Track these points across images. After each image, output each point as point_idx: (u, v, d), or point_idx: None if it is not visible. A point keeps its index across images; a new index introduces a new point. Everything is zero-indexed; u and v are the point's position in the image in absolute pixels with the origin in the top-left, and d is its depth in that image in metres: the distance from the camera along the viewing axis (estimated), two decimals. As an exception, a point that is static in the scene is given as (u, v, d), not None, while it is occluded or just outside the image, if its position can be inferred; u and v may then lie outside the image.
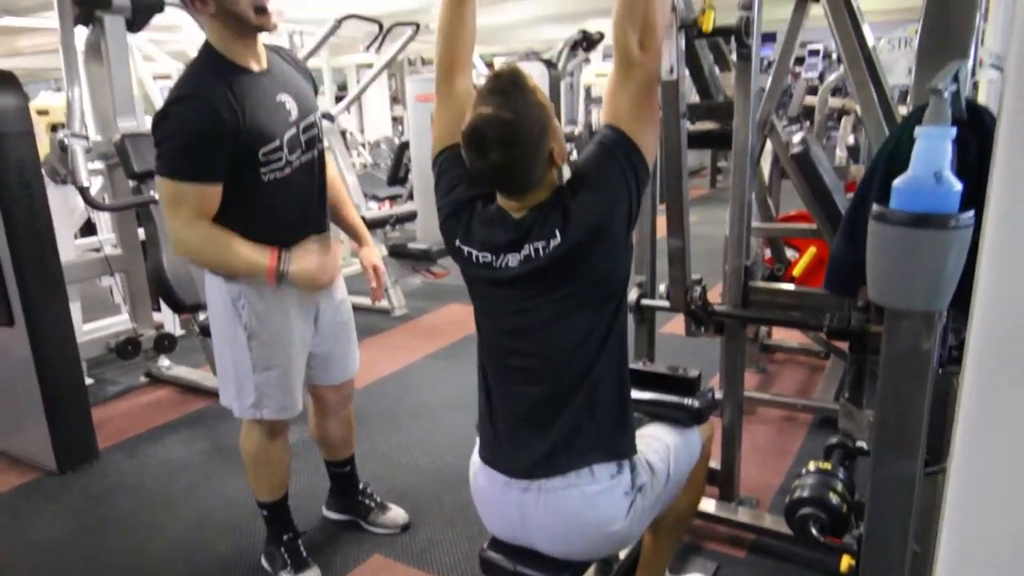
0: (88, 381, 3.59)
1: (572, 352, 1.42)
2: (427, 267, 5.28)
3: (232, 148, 1.72)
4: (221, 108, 1.68)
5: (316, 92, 2.04)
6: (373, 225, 5.11)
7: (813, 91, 6.40)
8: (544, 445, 1.44)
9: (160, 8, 3.21)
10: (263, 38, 1.84)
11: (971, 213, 0.87)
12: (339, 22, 4.98)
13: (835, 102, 6.24)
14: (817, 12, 2.34)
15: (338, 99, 12.20)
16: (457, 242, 1.46)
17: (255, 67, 1.80)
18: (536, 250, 1.35)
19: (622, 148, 1.34)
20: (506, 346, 1.49)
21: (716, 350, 2.40)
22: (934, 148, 0.86)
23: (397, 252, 5.31)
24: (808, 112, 6.77)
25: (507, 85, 1.32)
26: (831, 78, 5.49)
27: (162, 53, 6.50)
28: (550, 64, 5.96)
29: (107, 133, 3.31)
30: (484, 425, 1.56)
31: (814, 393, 3.47)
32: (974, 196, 0.89)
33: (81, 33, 3.20)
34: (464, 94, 1.53)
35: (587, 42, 6.18)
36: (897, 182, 0.89)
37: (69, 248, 3.58)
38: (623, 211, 1.34)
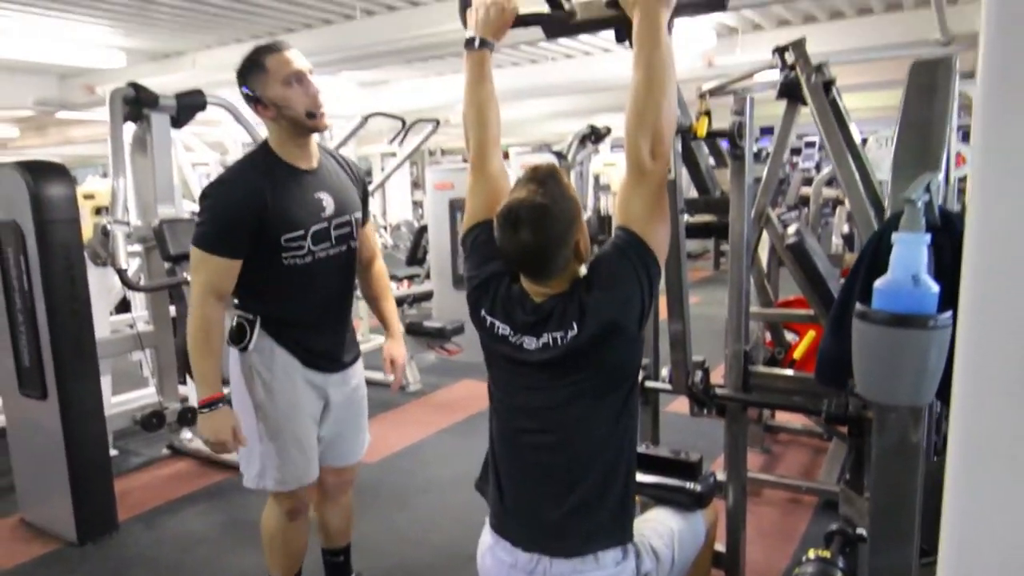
0: (113, 453, 3.58)
1: (583, 433, 1.42)
2: (442, 344, 5.29)
3: (257, 229, 1.81)
4: (252, 194, 1.80)
5: (366, 199, 2.12)
6: (396, 303, 5.16)
7: (809, 181, 6.51)
8: (552, 520, 1.43)
9: (203, 107, 3.36)
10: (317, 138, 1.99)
11: (949, 313, 0.88)
12: (366, 118, 5.18)
13: (830, 192, 6.33)
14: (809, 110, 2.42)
15: (363, 185, 12.56)
16: (483, 312, 1.48)
17: (303, 166, 1.91)
18: (554, 339, 1.38)
19: (635, 249, 1.38)
20: (519, 424, 1.49)
21: (721, 429, 2.37)
22: (910, 253, 0.89)
23: (414, 330, 5.35)
24: (805, 200, 6.87)
25: (545, 176, 1.40)
26: (825, 170, 5.60)
27: (201, 143, 6.76)
28: (560, 155, 6.13)
29: (147, 218, 3.42)
30: (493, 494, 1.55)
31: (818, 475, 3.39)
32: (952, 297, 0.90)
33: (129, 128, 3.35)
34: (497, 172, 1.59)
35: (595, 135, 6.36)
36: (878, 283, 0.91)
37: (104, 325, 3.63)
38: (636, 307, 1.37)
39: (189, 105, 3.32)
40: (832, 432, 3.66)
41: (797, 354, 3.54)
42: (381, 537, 2.90)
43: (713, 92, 2.72)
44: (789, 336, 3.77)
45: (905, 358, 0.90)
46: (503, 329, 1.44)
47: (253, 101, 1.84)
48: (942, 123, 1.05)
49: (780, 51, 2.32)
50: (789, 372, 2.44)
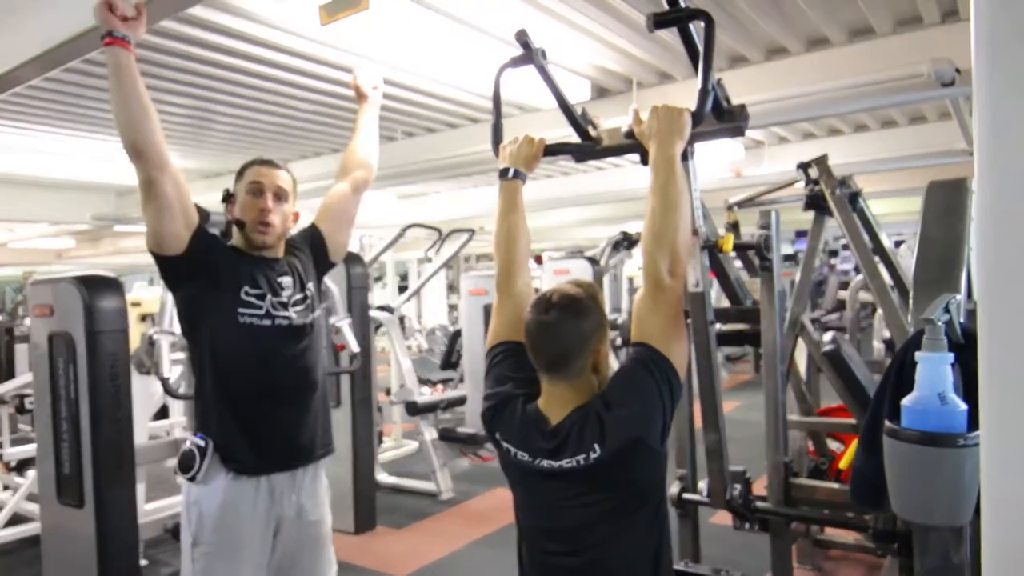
0: (143, 562, 3.55)
1: (613, 554, 1.38)
2: (475, 450, 5.23)
3: (215, 270, 1.80)
4: (220, 244, 1.88)
5: (317, 234, 2.09)
6: (426, 409, 5.16)
7: (846, 285, 6.46)
8: None
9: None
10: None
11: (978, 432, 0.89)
12: (405, 229, 5.37)
13: (867, 296, 6.27)
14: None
15: (400, 288, 12.83)
16: (497, 435, 1.47)
17: (266, 255, 1.92)
18: (577, 462, 1.34)
19: (657, 364, 1.37)
20: (546, 547, 1.45)
21: (768, 542, 2.28)
22: (935, 372, 0.90)
23: (447, 435, 5.31)
24: (843, 303, 6.81)
25: (583, 283, 1.46)
26: (861, 275, 5.58)
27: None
28: (593, 261, 6.22)
29: (191, 327, 3.54)
30: None
31: (873, 595, 3.20)
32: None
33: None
34: (523, 292, 1.62)
35: (628, 241, 6.45)
36: (905, 401, 0.92)
37: (143, 432, 3.69)
38: (659, 422, 1.35)
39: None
40: (885, 549, 3.48)
41: (843, 464, 3.42)
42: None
43: (741, 204, 2.81)
44: (833, 445, 3.66)
45: (937, 477, 0.89)
46: (521, 455, 1.42)
47: (226, 197, 1.95)
48: (959, 244, 1.08)
49: (804, 167, 2.40)
50: (834, 485, 2.37)
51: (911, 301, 1.07)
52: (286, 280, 1.91)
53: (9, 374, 5.74)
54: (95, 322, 2.93)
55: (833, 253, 12.95)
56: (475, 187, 7.99)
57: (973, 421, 0.91)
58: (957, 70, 2.97)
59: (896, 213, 8.78)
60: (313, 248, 2.06)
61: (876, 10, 3.35)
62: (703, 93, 1.44)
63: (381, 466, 5.27)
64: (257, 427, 1.83)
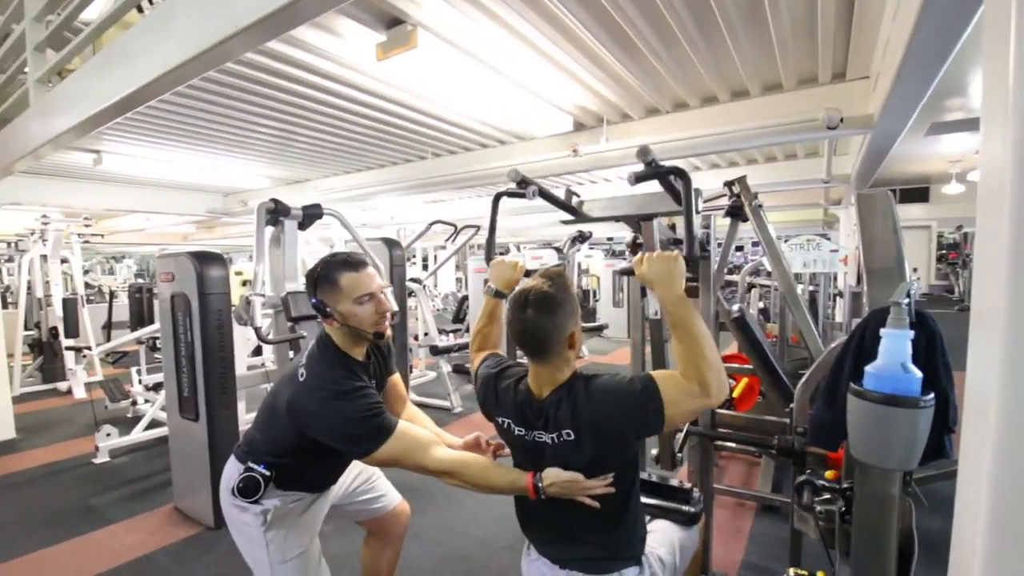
0: (243, 458, 3.36)
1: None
2: (476, 379, 5.07)
3: None
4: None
5: (391, 355, 1.64)
6: (443, 350, 5.00)
7: (730, 271, 6.34)
8: (580, 545, 1.21)
9: (320, 216, 3.30)
10: None
11: (932, 395, 0.73)
12: (430, 225, 5.16)
13: (750, 279, 6.19)
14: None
15: (425, 266, 12.60)
16: (489, 409, 1.31)
17: (361, 359, 1.46)
18: (558, 435, 1.17)
19: (654, 413, 1.09)
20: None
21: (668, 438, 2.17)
22: (898, 345, 0.74)
23: (457, 369, 5.15)
24: (728, 284, 6.74)
25: (554, 276, 1.23)
26: (748, 264, 5.47)
27: (313, 237, 6.73)
28: (558, 249, 6.08)
29: (277, 291, 3.31)
30: (527, 531, 1.32)
31: (755, 485, 3.12)
32: (928, 380, 0.75)
33: (268, 229, 3.28)
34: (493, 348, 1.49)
35: (581, 237, 6.32)
36: (870, 368, 0.76)
37: (242, 365, 3.49)
38: (627, 441, 1.15)
39: (311, 215, 3.25)
40: (763, 452, 3.40)
41: (735, 393, 3.34)
42: (434, 529, 2.65)
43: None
44: (730, 382, 3.57)
45: (897, 431, 0.74)
46: (518, 430, 1.23)
47: (320, 311, 1.38)
48: (898, 239, 0.92)
49: (729, 184, 2.22)
50: (745, 414, 2.24)
51: (866, 286, 0.91)
52: (370, 384, 1.48)
53: (150, 321, 5.56)
54: (205, 286, 2.71)
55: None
56: (479, 196, 7.71)
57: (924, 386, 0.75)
58: (841, 119, 2.80)
59: (775, 222, 8.71)
60: (387, 357, 1.61)
61: (785, 71, 3.13)
62: (690, 238, 1.18)
63: (411, 389, 5.10)
64: (309, 487, 1.51)
